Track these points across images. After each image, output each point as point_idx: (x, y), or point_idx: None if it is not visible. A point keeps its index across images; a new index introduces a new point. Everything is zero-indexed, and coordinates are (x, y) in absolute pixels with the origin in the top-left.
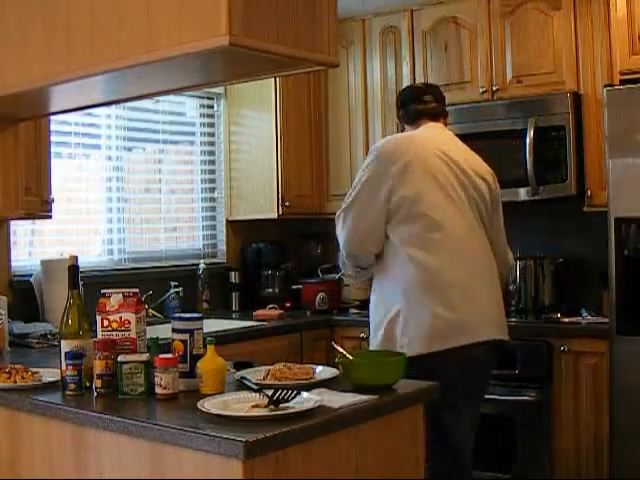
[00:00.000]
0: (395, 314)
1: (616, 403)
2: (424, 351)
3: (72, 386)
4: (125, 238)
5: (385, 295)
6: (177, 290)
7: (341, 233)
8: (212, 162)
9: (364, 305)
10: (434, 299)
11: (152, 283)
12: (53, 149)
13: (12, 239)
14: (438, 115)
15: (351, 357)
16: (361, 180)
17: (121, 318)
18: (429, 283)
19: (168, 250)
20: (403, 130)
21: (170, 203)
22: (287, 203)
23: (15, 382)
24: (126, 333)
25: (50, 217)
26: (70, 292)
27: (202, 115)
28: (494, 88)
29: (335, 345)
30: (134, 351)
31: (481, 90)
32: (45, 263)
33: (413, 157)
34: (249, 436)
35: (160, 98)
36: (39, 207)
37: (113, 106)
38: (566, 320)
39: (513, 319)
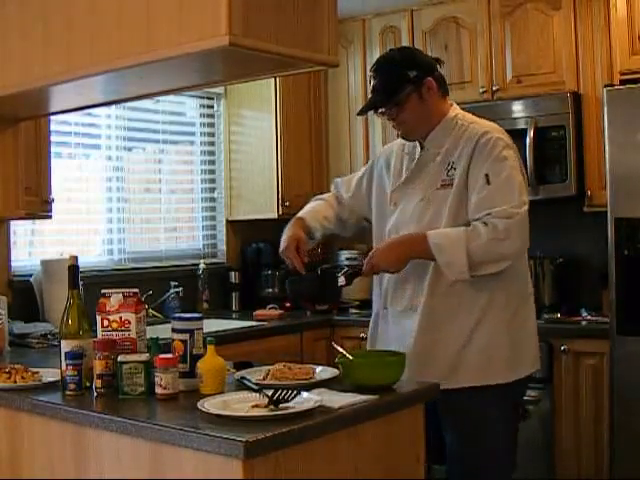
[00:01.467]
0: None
1: (616, 403)
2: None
3: (72, 386)
4: (125, 238)
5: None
6: (177, 290)
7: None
8: (212, 162)
9: (364, 305)
10: (531, 313)
11: (152, 283)
12: (53, 149)
13: (12, 239)
14: None
15: (351, 357)
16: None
17: (121, 318)
18: (529, 295)
19: (168, 250)
20: (425, 99)
21: (170, 203)
22: (287, 203)
23: (15, 382)
24: (126, 333)
25: (50, 217)
26: (70, 292)
27: (202, 115)
28: (494, 88)
29: (335, 345)
30: (134, 351)
31: (481, 90)
32: (45, 263)
33: None
34: (249, 436)
35: (160, 98)
36: (39, 207)
37: (113, 106)
38: (566, 320)
39: None
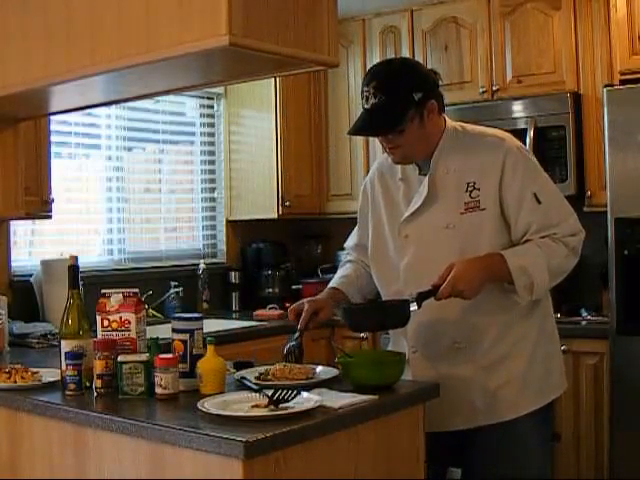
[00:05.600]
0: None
1: (616, 403)
2: None
3: (72, 386)
4: (125, 238)
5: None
6: (177, 290)
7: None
8: (212, 162)
9: None
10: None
11: (152, 283)
12: (53, 149)
13: (12, 239)
14: None
15: (351, 357)
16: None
17: (121, 318)
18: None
19: (168, 250)
20: (425, 119)
21: (170, 203)
22: (287, 203)
23: (15, 382)
24: (126, 333)
25: (50, 217)
26: (70, 292)
27: (202, 115)
28: (494, 88)
29: (335, 343)
30: (134, 351)
31: (481, 90)
32: (45, 263)
33: None
34: (249, 436)
35: (160, 98)
36: (39, 207)
37: (113, 106)
38: (566, 320)
39: None
